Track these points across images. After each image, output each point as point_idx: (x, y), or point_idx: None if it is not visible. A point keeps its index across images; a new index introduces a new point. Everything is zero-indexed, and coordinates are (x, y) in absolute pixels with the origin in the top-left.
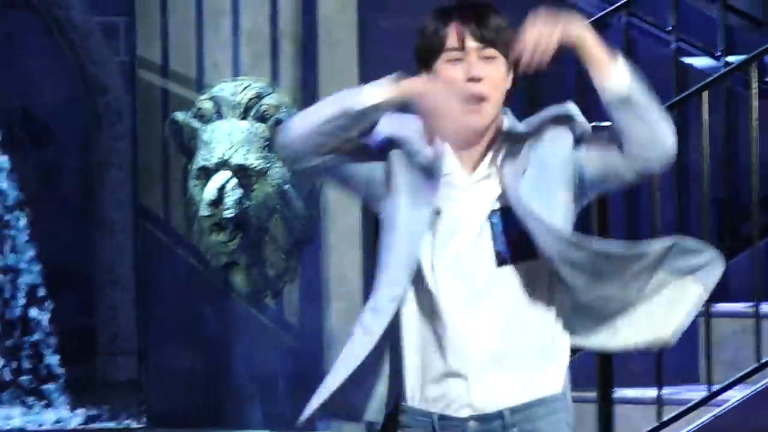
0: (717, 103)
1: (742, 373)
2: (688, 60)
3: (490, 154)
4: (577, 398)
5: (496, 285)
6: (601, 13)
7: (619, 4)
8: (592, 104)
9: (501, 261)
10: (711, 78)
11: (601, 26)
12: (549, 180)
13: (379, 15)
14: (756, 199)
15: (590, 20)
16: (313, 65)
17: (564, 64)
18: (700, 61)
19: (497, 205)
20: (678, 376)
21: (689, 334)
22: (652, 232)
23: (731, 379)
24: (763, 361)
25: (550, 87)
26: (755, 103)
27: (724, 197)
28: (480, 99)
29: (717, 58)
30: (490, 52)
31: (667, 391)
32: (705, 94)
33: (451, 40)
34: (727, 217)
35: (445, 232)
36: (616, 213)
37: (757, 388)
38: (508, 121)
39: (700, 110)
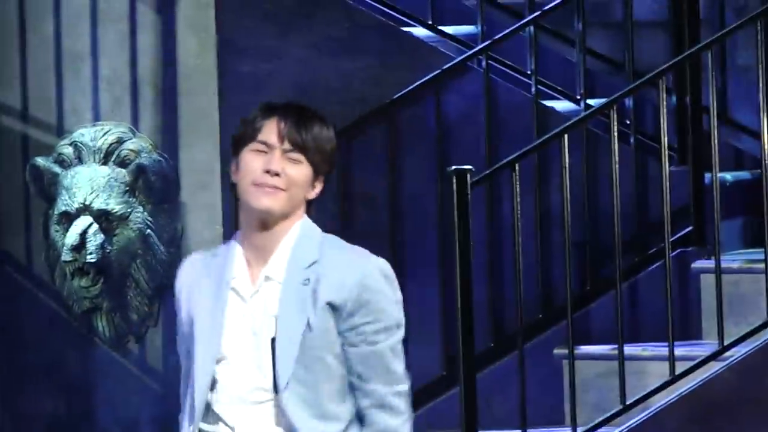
0: (577, 146)
1: (607, 416)
2: (548, 103)
3: (269, 264)
4: None
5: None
6: (461, 57)
7: (479, 47)
8: (453, 148)
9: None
10: (571, 121)
11: (460, 71)
12: (318, 336)
13: (238, 61)
14: (618, 241)
15: (450, 64)
16: (173, 110)
17: (424, 106)
18: (561, 105)
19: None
20: (543, 419)
21: (554, 376)
22: (515, 275)
23: (596, 422)
24: (628, 403)
25: (410, 129)
26: (616, 146)
27: (586, 240)
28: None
29: (577, 102)
30: (297, 156)
31: None
32: (565, 137)
33: (264, 134)
34: (589, 259)
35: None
36: (479, 255)
37: (621, 430)
38: (300, 232)
39: (561, 153)
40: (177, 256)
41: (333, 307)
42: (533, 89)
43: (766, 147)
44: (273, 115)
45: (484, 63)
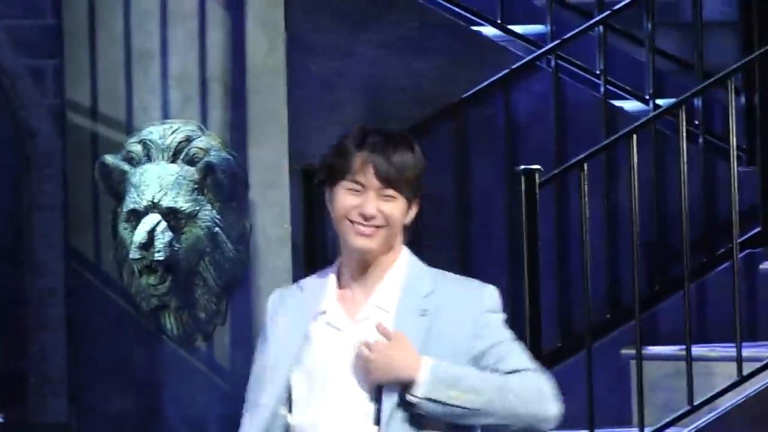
0: (646, 146)
1: (675, 416)
2: (617, 103)
3: (376, 294)
4: None
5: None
6: (530, 56)
7: (548, 47)
8: (521, 147)
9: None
10: (640, 121)
11: (529, 70)
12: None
13: (307, 58)
14: (686, 241)
15: (519, 64)
16: (242, 108)
17: (493, 105)
18: (629, 105)
19: None
20: (610, 419)
21: (621, 377)
22: (583, 274)
23: (663, 422)
24: (696, 404)
25: (479, 128)
26: (684, 146)
27: (655, 240)
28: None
29: (646, 102)
30: (390, 192)
31: None
32: (634, 137)
33: (357, 173)
34: (657, 259)
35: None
36: (547, 254)
37: (689, 431)
38: (407, 263)
39: (630, 153)
40: (245, 255)
41: (454, 348)
42: (602, 89)
43: None
44: (363, 148)
45: (553, 62)
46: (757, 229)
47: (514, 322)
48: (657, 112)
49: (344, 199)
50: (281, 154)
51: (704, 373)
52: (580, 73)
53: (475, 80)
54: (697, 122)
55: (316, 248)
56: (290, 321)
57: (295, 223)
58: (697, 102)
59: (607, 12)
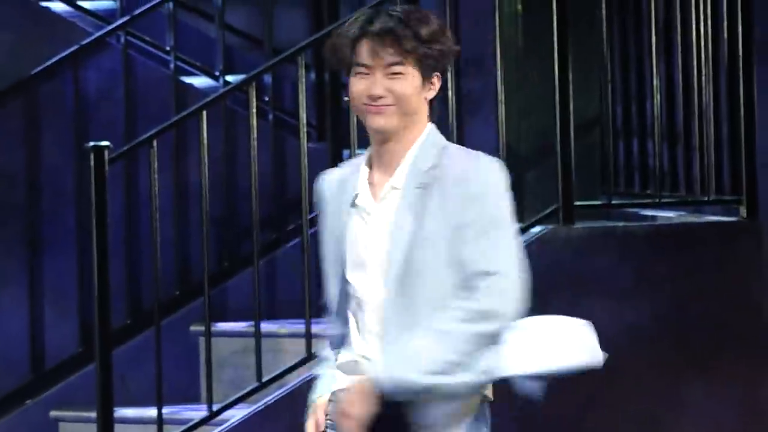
0: (216, 123)
1: (243, 393)
2: (187, 80)
3: (396, 173)
4: (77, 418)
5: None
6: (99, 33)
7: (118, 23)
8: (92, 124)
9: None
10: (210, 97)
11: (99, 47)
12: (441, 238)
13: None
14: (256, 218)
15: (88, 40)
16: None
17: (63, 81)
18: (200, 81)
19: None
20: (179, 396)
21: (190, 354)
22: (152, 251)
23: (231, 399)
24: (264, 380)
25: (48, 105)
26: (254, 122)
27: (225, 216)
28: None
29: (216, 78)
30: (397, 69)
31: (168, 411)
32: (204, 114)
33: (360, 56)
34: (228, 236)
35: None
36: (117, 232)
37: (257, 407)
38: (424, 140)
39: (200, 129)
40: None
41: (445, 218)
42: (172, 65)
43: None
44: (367, 31)
45: (123, 39)
46: None
47: (84, 299)
48: (227, 88)
49: (355, 85)
50: None
51: (274, 349)
52: (151, 49)
53: (45, 56)
54: (267, 99)
55: None
56: (334, 208)
57: None
58: (268, 78)
59: None
